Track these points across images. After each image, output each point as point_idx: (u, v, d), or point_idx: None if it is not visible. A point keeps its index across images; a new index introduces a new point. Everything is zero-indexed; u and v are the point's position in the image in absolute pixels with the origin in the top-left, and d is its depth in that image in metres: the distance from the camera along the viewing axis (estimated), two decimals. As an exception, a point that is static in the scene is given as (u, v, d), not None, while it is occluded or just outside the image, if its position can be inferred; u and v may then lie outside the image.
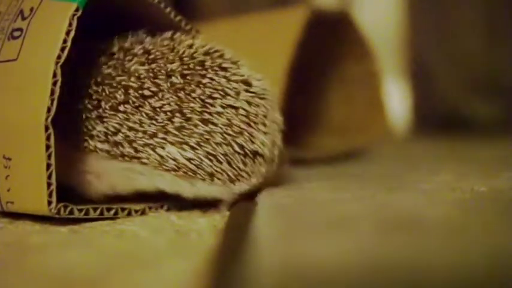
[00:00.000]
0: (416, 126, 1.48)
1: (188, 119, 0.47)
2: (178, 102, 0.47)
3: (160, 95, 0.48)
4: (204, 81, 0.48)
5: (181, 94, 0.47)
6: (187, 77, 0.48)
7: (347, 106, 0.95)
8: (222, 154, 0.48)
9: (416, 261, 0.32)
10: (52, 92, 0.44)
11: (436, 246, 0.35)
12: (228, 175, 0.48)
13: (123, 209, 0.49)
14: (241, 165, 0.48)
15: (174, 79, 0.48)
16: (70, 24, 0.46)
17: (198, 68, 0.49)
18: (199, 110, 0.47)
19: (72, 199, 0.47)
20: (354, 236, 0.38)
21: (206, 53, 0.50)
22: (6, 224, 0.47)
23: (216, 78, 0.48)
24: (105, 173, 0.50)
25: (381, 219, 0.43)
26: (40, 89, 0.45)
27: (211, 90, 0.48)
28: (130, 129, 0.48)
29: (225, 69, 0.49)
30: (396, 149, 1.06)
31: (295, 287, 0.29)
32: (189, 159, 0.47)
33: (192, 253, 0.37)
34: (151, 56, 0.49)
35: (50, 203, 0.44)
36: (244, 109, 0.48)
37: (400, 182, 0.60)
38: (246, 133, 0.48)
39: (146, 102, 0.48)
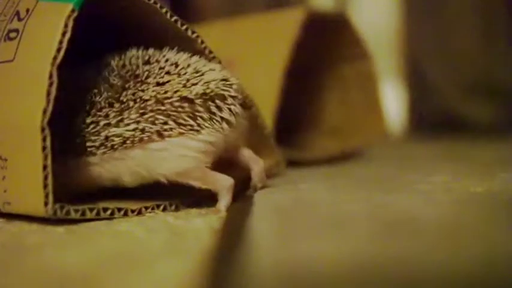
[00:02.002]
0: (412, 127, 1.48)
1: (124, 103, 0.50)
2: (116, 95, 0.51)
3: (101, 91, 0.51)
4: (138, 79, 0.51)
5: (118, 89, 0.51)
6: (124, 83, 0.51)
7: (343, 107, 0.96)
8: (162, 114, 0.49)
9: (412, 262, 0.32)
10: (48, 93, 0.44)
11: (432, 246, 0.35)
12: (182, 128, 0.49)
13: (119, 209, 0.49)
14: (187, 119, 0.50)
15: (112, 80, 0.52)
16: (66, 25, 0.46)
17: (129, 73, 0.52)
18: (133, 96, 0.50)
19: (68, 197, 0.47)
20: (351, 236, 0.38)
21: (130, 63, 0.52)
22: (3, 224, 0.47)
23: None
24: (70, 171, 0.51)
25: (378, 220, 0.43)
26: (36, 90, 0.45)
27: (141, 82, 0.51)
28: (76, 124, 0.50)
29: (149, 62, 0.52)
30: (392, 150, 1.06)
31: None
32: (133, 130, 0.50)
33: (188, 253, 0.37)
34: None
35: (46, 204, 0.44)
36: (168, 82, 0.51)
37: (397, 183, 0.60)
38: (181, 89, 0.50)
39: (88, 101, 0.51)
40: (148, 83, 0.50)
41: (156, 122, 0.49)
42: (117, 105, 0.50)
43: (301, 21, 0.80)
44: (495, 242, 0.36)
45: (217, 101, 0.50)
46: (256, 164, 0.56)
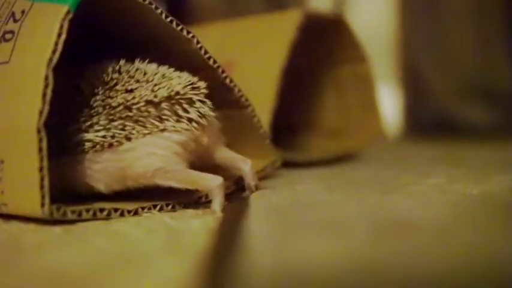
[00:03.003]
0: (409, 129, 1.48)
1: (93, 108, 0.51)
2: (86, 101, 0.51)
3: (71, 96, 0.52)
4: (107, 86, 0.52)
5: (88, 95, 0.52)
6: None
7: (340, 108, 0.96)
8: (131, 120, 0.50)
9: (408, 263, 0.32)
10: (44, 95, 0.44)
11: (427, 248, 0.35)
12: (148, 129, 0.50)
13: (116, 210, 0.49)
14: (154, 121, 0.50)
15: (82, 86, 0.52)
16: (61, 27, 0.46)
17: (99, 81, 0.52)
18: (102, 102, 0.51)
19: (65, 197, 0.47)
20: (347, 237, 0.38)
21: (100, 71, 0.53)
22: (0, 223, 0.47)
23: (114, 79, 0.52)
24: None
25: (374, 221, 0.43)
26: (32, 92, 0.45)
27: (110, 89, 0.52)
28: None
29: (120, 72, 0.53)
30: (389, 152, 1.06)
31: (287, 288, 0.29)
32: (102, 136, 0.50)
33: (185, 253, 0.38)
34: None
35: (43, 205, 0.44)
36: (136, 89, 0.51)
37: (393, 184, 0.60)
38: (148, 94, 0.51)
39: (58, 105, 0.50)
40: (117, 90, 0.51)
41: (125, 128, 0.50)
42: (86, 110, 0.51)
43: (299, 23, 0.80)
44: (491, 244, 0.36)
45: (184, 105, 0.51)
46: (244, 163, 0.56)
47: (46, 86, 0.44)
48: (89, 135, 0.50)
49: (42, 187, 0.44)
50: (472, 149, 1.06)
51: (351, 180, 0.67)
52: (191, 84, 0.52)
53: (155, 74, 0.52)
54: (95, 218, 0.47)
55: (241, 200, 0.54)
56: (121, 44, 0.56)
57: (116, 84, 0.51)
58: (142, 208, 0.51)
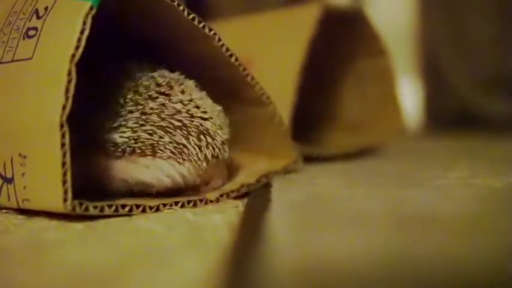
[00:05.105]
0: (429, 122, 1.47)
1: (123, 106, 0.51)
2: (115, 104, 0.52)
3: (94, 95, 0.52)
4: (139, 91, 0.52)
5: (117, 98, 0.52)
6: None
7: (360, 103, 0.95)
8: (160, 128, 0.51)
9: (431, 257, 0.32)
10: (67, 91, 0.44)
11: (451, 242, 0.35)
12: (171, 149, 0.51)
13: (137, 206, 0.49)
14: (184, 141, 0.51)
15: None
16: (84, 23, 0.46)
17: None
18: (133, 101, 0.51)
19: (88, 194, 0.47)
20: (369, 232, 0.38)
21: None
22: (23, 221, 0.47)
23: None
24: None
25: (396, 215, 0.43)
26: (55, 88, 0.45)
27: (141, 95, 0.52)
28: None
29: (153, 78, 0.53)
30: (409, 146, 1.06)
31: (310, 283, 0.29)
32: (128, 138, 0.50)
33: (207, 249, 0.38)
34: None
35: (65, 200, 0.44)
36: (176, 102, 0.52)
37: (415, 178, 0.60)
38: (183, 112, 0.52)
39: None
40: (147, 98, 0.51)
41: (153, 134, 0.50)
42: (114, 106, 0.51)
43: (318, 17, 0.80)
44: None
45: (207, 137, 0.52)
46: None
47: (69, 82, 0.45)
48: (112, 136, 0.50)
49: (64, 182, 0.44)
50: (493, 141, 1.05)
51: (372, 174, 0.67)
52: (220, 126, 0.53)
53: (190, 100, 0.52)
54: (116, 213, 0.48)
55: (262, 195, 0.54)
56: (131, 43, 0.56)
57: (149, 90, 0.52)
58: (164, 205, 0.51)
